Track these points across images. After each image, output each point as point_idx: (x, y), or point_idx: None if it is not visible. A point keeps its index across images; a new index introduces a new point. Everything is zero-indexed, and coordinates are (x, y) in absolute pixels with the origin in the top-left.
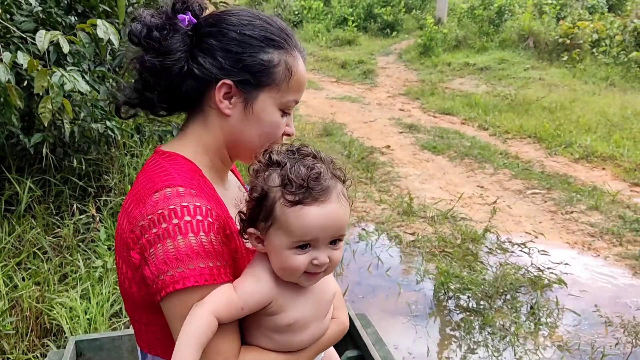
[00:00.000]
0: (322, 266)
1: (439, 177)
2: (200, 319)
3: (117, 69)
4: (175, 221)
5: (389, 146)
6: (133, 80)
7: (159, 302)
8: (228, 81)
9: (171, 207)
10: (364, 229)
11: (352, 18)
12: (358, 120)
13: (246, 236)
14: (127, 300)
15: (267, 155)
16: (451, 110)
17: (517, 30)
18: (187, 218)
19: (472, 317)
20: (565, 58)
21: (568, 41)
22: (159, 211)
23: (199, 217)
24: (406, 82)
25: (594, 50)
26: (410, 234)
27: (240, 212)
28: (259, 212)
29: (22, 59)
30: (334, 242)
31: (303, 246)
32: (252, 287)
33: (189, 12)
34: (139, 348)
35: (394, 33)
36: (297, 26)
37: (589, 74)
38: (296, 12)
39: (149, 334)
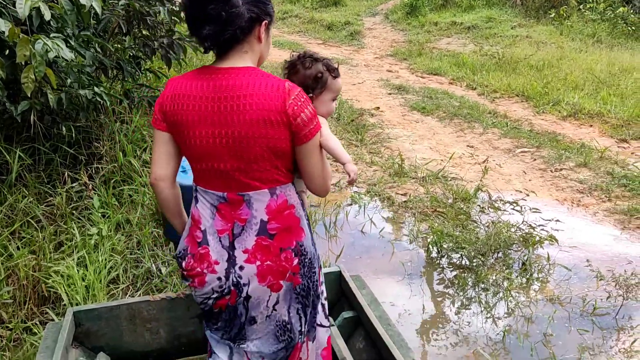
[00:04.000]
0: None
1: (429, 138)
2: (334, 137)
3: (102, 33)
4: (304, 97)
5: (378, 108)
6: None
7: (305, 143)
8: (266, 20)
9: (298, 90)
10: (356, 192)
11: None
12: (346, 82)
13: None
14: (276, 156)
15: (311, 57)
16: (439, 71)
17: None
18: (306, 95)
19: (465, 275)
20: (553, 15)
21: None
22: (297, 91)
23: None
24: (393, 43)
25: (581, 6)
26: (402, 194)
27: (306, 86)
28: (317, 84)
29: (4, 26)
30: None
31: (333, 99)
32: (326, 122)
33: None
34: (266, 190)
35: None
36: None
37: (576, 31)
38: None
39: (280, 173)
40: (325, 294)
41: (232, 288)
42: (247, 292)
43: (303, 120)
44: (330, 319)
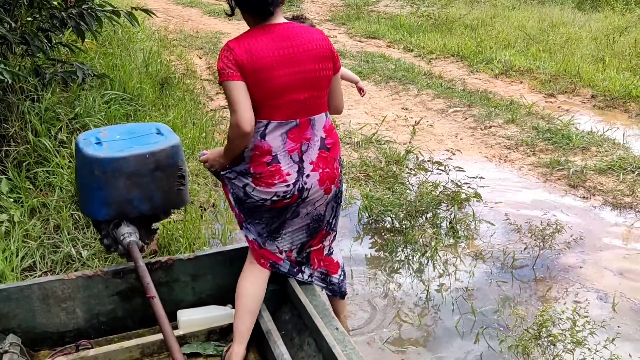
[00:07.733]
0: None
1: (365, 102)
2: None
3: (3, 6)
4: None
5: None
6: None
7: (338, 72)
8: None
9: None
10: None
11: None
12: None
13: None
14: (329, 83)
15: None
16: (377, 34)
17: None
18: None
19: (395, 238)
20: None
21: None
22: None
23: None
24: (332, 7)
25: None
26: None
27: None
28: None
29: None
30: None
31: None
32: None
33: None
34: (324, 113)
35: None
36: None
37: None
38: None
39: (326, 100)
40: None
41: (295, 193)
42: (307, 194)
43: (337, 55)
44: None
